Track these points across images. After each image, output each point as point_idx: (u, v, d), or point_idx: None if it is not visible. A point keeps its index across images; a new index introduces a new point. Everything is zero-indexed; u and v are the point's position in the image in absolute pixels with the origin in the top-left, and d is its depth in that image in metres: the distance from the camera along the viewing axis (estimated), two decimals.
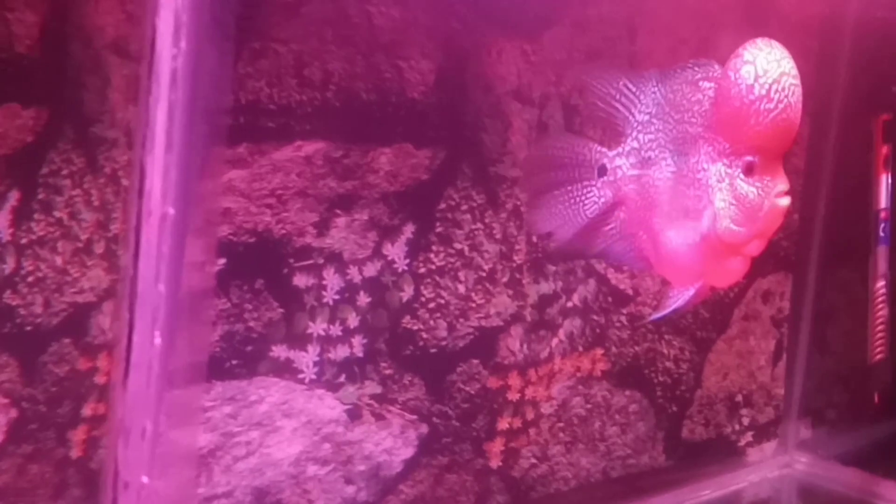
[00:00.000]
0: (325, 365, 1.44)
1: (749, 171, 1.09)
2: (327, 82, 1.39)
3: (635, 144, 1.17)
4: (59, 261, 1.25)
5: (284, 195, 1.38)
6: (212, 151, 0.81)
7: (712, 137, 1.11)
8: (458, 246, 1.56)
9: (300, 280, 1.41)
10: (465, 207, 1.55)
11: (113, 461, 0.76)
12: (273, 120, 1.35)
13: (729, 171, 1.10)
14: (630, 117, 1.17)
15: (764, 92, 1.05)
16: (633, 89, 1.17)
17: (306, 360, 1.43)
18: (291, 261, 1.40)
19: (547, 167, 1.19)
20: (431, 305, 1.54)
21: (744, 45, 1.07)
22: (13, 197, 1.22)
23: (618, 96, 1.17)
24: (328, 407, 1.45)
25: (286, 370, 1.41)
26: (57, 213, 1.25)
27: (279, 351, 1.40)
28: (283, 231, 1.39)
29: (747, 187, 1.09)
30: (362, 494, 1.50)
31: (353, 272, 1.46)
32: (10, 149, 1.21)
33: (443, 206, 1.53)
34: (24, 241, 1.23)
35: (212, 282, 0.78)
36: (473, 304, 1.58)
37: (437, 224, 1.53)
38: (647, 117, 1.16)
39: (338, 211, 1.43)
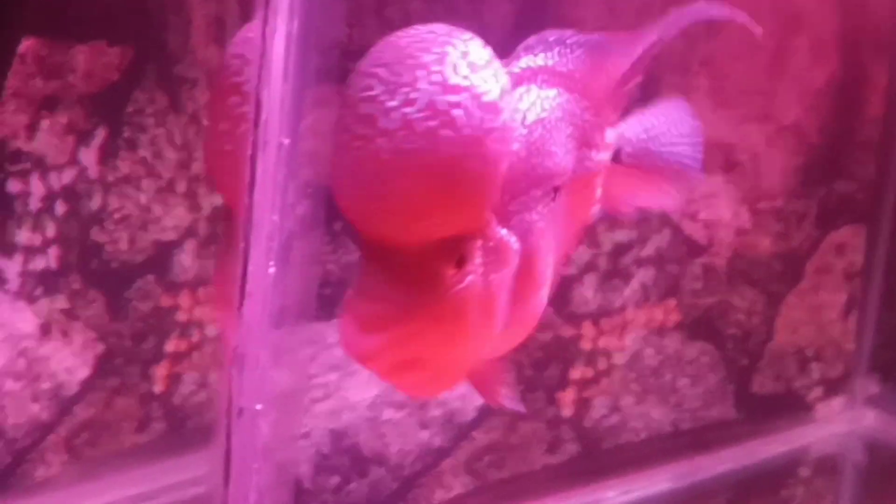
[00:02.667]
0: None
1: None
2: (408, 24, 1.37)
3: None
4: (143, 199, 1.25)
5: None
6: (322, 86, 0.80)
7: None
8: None
9: None
10: None
11: (227, 388, 0.76)
12: (354, 61, 1.34)
13: None
14: None
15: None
16: None
17: None
18: None
19: None
20: None
21: None
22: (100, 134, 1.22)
23: None
24: None
25: None
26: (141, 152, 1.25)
27: None
28: None
29: None
30: (436, 440, 1.50)
31: None
32: (97, 87, 1.21)
33: None
34: (110, 178, 1.23)
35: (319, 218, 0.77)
36: None
37: None
38: None
39: None
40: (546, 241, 0.74)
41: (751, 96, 1.74)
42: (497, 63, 0.68)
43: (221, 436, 0.77)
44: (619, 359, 1.68)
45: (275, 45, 0.74)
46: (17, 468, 1.21)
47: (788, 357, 1.94)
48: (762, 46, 1.68)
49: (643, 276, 1.68)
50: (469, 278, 0.65)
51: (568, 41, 0.78)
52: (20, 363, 1.21)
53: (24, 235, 1.21)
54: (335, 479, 1.39)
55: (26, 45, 1.16)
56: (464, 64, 0.65)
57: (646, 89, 1.63)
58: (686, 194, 0.86)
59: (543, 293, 0.74)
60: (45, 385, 1.22)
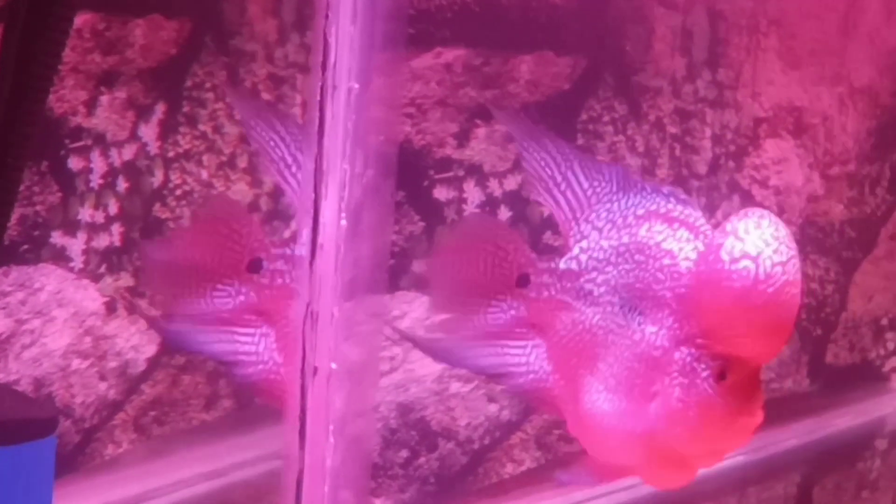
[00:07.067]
0: None
1: (720, 377, 0.86)
2: None
3: (574, 265, 0.91)
4: (204, 174, 1.24)
5: (424, 104, 1.35)
6: (393, 28, 0.77)
7: (682, 313, 0.86)
8: (599, 158, 1.51)
9: (442, 193, 1.38)
10: (606, 119, 1.50)
11: (301, 346, 0.73)
12: (413, 26, 1.31)
13: (696, 366, 0.86)
14: (572, 221, 0.92)
15: (771, 290, 0.81)
16: (584, 183, 0.90)
17: None
18: (432, 173, 1.37)
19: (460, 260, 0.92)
20: None
21: (737, 216, 0.87)
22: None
23: (559, 183, 0.91)
24: None
25: (425, 287, 1.38)
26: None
27: (418, 266, 1.38)
28: (423, 142, 1.36)
29: (715, 396, 0.85)
30: (505, 413, 1.47)
31: (494, 185, 1.42)
32: (156, 61, 1.20)
33: (584, 117, 1.48)
34: (170, 154, 1.22)
35: (393, 166, 0.75)
36: None
37: (579, 136, 1.48)
38: (595, 233, 0.91)
39: (477, 122, 1.39)
40: None
41: (822, 57, 1.69)
42: None
43: (295, 397, 0.74)
44: None
45: None
46: (85, 447, 1.20)
47: (863, 326, 1.89)
48: (833, 5, 1.63)
49: None
50: None
51: None
52: (86, 341, 1.20)
53: (86, 213, 1.20)
54: (404, 454, 1.37)
55: (83, 19, 1.15)
56: None
57: (712, 51, 1.59)
58: None
59: None
60: (112, 364, 1.21)
